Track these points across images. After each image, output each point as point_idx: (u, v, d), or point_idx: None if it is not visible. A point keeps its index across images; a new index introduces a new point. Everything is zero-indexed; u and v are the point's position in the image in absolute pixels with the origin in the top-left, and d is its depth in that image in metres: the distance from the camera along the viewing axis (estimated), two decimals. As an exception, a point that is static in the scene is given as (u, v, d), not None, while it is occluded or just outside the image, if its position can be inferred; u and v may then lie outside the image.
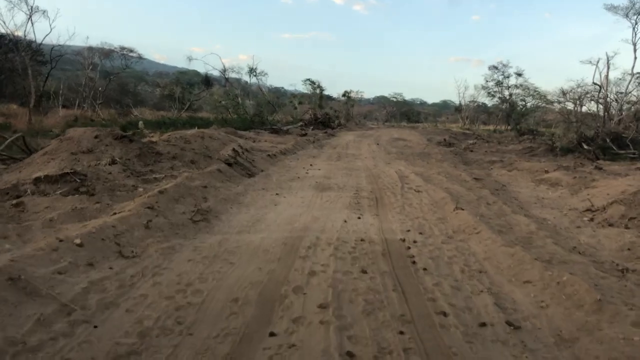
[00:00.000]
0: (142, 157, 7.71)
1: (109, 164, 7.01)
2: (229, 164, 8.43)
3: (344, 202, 6.54)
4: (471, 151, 17.89)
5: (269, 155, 11.44)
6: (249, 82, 26.83)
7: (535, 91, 32.90)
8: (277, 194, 6.97)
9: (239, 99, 22.65)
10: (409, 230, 5.01)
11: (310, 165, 10.96)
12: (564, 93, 19.25)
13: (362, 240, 4.52)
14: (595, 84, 17.22)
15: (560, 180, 9.29)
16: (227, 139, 11.55)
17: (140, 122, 18.96)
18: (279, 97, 47.05)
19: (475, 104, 36.81)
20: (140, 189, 6.13)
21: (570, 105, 19.66)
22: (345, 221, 5.37)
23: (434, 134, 25.68)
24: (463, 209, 5.65)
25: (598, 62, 16.91)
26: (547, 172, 10.78)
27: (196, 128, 15.10)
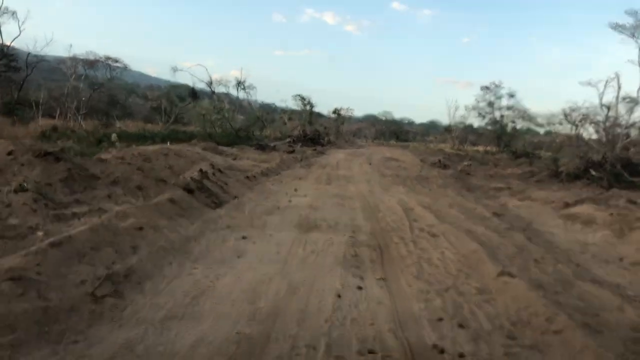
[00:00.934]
0: (69, 181, 5.62)
1: (15, 192, 4.92)
2: (190, 191, 6.38)
3: (336, 253, 4.53)
4: (468, 174, 16.12)
5: (247, 177, 9.41)
6: (237, 95, 24.90)
7: (525, 113, 31.62)
8: (244, 237, 4.92)
9: (225, 112, 20.67)
10: (441, 319, 3.02)
11: (295, 190, 8.96)
12: (566, 115, 17.68)
13: (370, 352, 2.51)
14: (603, 105, 15.67)
15: (593, 218, 7.43)
16: (198, 156, 9.50)
17: (114, 135, 16.83)
18: (269, 113, 45.27)
19: (464, 125, 35.39)
20: (41, 233, 4.05)
21: (568, 128, 18.12)
22: (340, 296, 3.36)
23: (426, 154, 23.95)
24: (512, 275, 3.70)
25: (607, 82, 15.36)
26: (568, 204, 8.96)
27: (168, 143, 13.03)
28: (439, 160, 20.27)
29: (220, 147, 15.68)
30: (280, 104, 36.53)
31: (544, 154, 25.10)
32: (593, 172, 14.21)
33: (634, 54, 15.61)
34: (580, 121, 18.25)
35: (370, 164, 16.36)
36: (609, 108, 15.64)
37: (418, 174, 13.86)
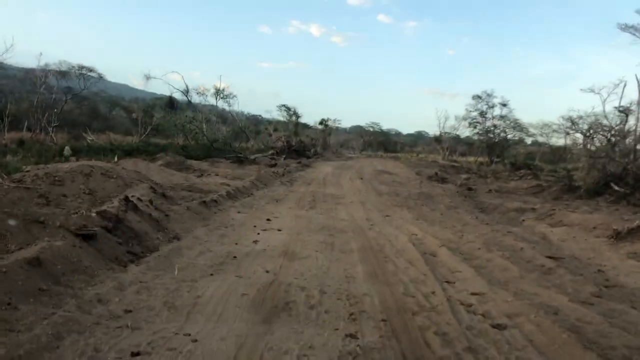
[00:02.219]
0: None
1: None
2: (87, 237, 3.82)
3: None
4: (470, 189, 13.80)
5: (204, 201, 6.85)
6: (216, 105, 22.36)
7: (516, 123, 29.72)
8: (134, 353, 2.38)
9: (199, 122, 18.09)
10: None
11: (268, 220, 6.44)
12: (573, 123, 15.58)
13: None
14: (620, 110, 13.57)
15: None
16: (137, 176, 6.91)
17: (66, 148, 14.12)
18: (255, 125, 42.75)
19: (452, 135, 33.35)
20: None
21: (579, 137, 16.01)
22: None
23: (419, 166, 21.67)
24: None
25: (619, 85, 13.30)
26: (619, 233, 6.64)
27: (116, 158, 10.40)
28: (436, 173, 17.96)
29: (189, 162, 13.10)
30: (266, 115, 34.15)
31: (544, 166, 23.08)
32: (615, 187, 12.05)
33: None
34: (590, 130, 16.22)
35: (361, 179, 13.93)
36: (627, 114, 13.56)
37: (419, 190, 11.46)
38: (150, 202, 5.77)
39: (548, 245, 5.98)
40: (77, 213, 4.38)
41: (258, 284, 3.53)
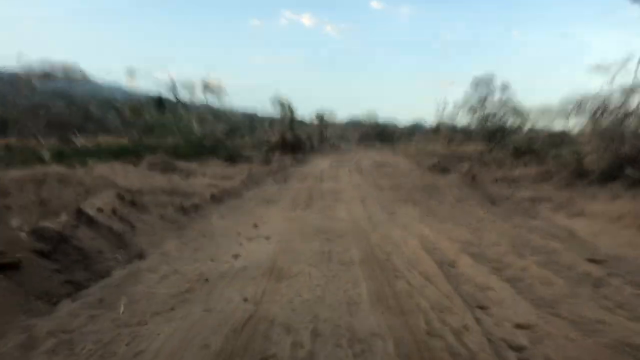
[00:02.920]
0: None
1: None
2: (3, 268, 2.88)
3: None
4: (474, 178, 12.84)
5: (182, 207, 5.90)
6: (205, 100, 21.30)
7: (516, 109, 28.66)
8: None
9: (186, 120, 17.07)
10: None
11: (255, 225, 5.49)
12: (580, 105, 14.57)
13: None
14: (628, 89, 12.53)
15: None
16: (103, 182, 5.94)
17: (46, 152, 13.10)
18: (251, 121, 41.60)
19: (453, 123, 32.31)
20: None
21: (586, 119, 14.99)
22: None
23: (419, 156, 20.70)
24: None
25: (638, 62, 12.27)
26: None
27: (101, 160, 9.41)
28: (437, 162, 17.00)
29: (177, 162, 12.10)
30: (261, 111, 33.11)
31: (549, 150, 22.09)
32: (631, 171, 11.11)
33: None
34: (599, 109, 15.23)
35: (360, 172, 12.98)
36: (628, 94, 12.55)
37: (422, 182, 10.52)
38: (114, 212, 4.81)
39: (581, 243, 5.04)
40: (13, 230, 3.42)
41: (230, 324, 2.58)
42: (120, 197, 5.37)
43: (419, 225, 5.44)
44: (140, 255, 4.11)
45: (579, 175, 12.74)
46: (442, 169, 15.97)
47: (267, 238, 4.89)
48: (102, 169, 8.19)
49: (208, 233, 5.06)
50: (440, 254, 4.12)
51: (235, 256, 4.17)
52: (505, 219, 6.28)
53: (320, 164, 15.66)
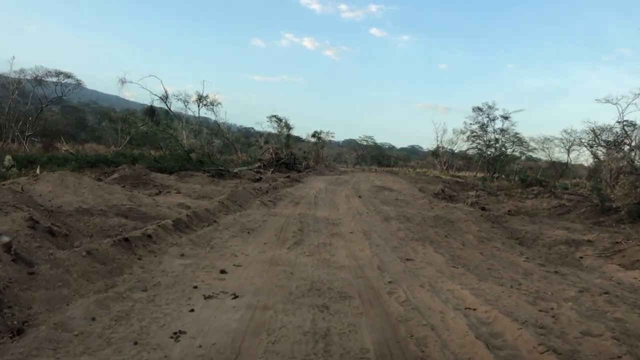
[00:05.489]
0: None
1: None
2: None
3: None
4: (484, 208, 11.33)
5: (126, 239, 4.25)
6: (197, 113, 19.84)
7: (516, 137, 27.55)
8: None
9: (173, 131, 15.50)
10: None
11: (222, 272, 3.86)
12: (596, 136, 13.29)
13: None
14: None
15: None
16: (15, 200, 4.29)
17: (8, 158, 11.40)
18: (247, 137, 40.19)
19: (449, 149, 31.02)
20: None
21: (601, 151, 13.71)
22: None
23: (421, 181, 19.22)
24: None
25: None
26: None
27: (37, 169, 7.75)
28: (442, 190, 15.50)
29: (153, 175, 10.48)
30: (258, 127, 31.72)
31: (553, 182, 20.76)
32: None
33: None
34: (616, 141, 13.98)
35: (360, 197, 11.40)
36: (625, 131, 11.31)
37: (432, 212, 8.95)
38: (9, 248, 3.15)
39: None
40: None
41: None
42: (34, 223, 3.72)
43: (452, 285, 3.83)
44: (18, 330, 2.44)
45: (602, 211, 11.33)
46: (448, 196, 14.49)
47: (235, 297, 3.25)
48: (50, 178, 6.53)
49: (150, 284, 3.40)
50: (507, 348, 2.50)
51: (176, 335, 2.53)
52: (557, 273, 4.69)
53: (315, 185, 14.08)
